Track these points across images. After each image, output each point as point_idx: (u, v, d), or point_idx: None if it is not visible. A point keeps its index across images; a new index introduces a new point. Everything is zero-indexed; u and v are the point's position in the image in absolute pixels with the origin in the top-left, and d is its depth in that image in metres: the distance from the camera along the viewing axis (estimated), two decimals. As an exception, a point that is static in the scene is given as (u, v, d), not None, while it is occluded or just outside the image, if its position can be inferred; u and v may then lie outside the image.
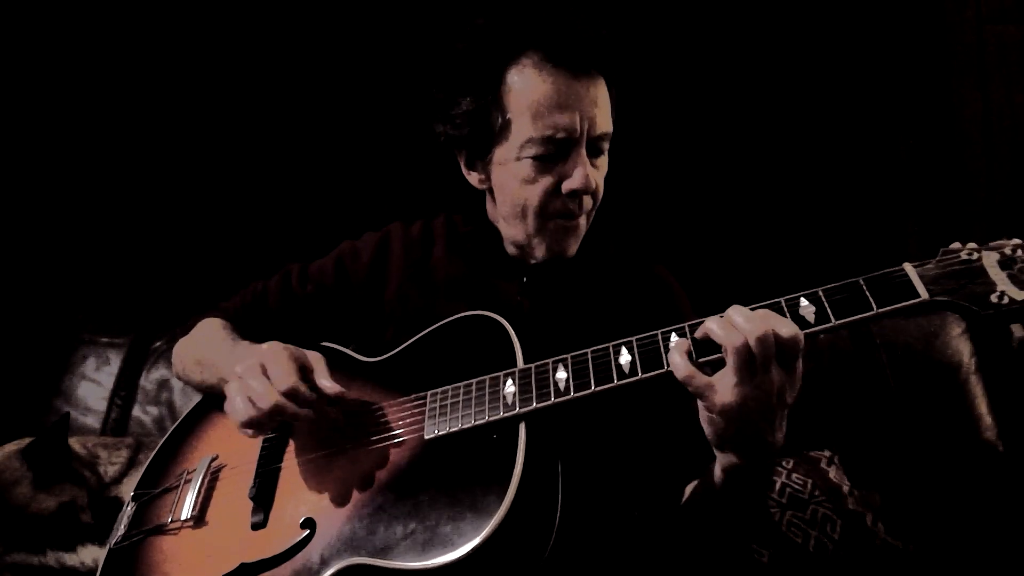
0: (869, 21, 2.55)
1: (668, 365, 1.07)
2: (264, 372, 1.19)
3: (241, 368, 1.22)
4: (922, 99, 2.55)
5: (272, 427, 1.26)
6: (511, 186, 1.34)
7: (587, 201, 1.34)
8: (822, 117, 2.58)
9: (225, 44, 2.66)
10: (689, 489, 1.27)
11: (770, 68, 2.57)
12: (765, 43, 2.57)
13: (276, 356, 1.21)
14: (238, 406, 1.20)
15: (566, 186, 1.30)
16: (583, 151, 1.30)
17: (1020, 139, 2.51)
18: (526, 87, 1.28)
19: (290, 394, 1.17)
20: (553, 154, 1.29)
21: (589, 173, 1.30)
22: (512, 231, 1.41)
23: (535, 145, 1.29)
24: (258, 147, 2.73)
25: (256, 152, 2.73)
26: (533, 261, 1.43)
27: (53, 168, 2.71)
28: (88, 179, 2.73)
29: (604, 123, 1.32)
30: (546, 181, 1.31)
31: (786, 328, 0.98)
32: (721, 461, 1.09)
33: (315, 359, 1.25)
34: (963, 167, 2.54)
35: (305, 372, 1.22)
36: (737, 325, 0.99)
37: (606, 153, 1.37)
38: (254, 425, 1.21)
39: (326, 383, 1.21)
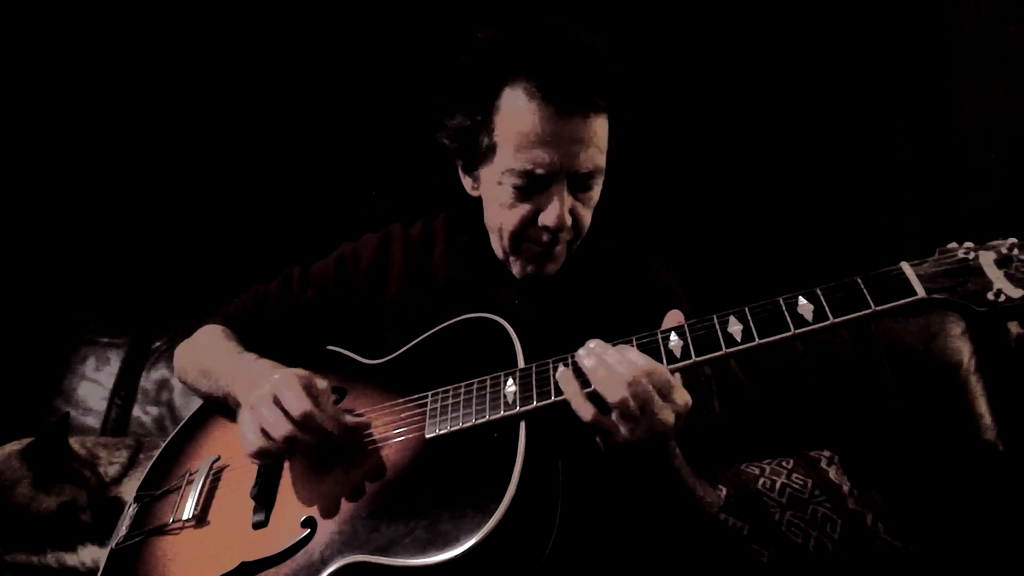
0: (869, 21, 2.55)
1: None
2: (277, 402, 1.19)
3: (254, 398, 1.21)
4: (922, 99, 2.56)
5: (282, 456, 1.25)
6: (492, 205, 1.37)
7: (563, 235, 1.35)
8: (822, 116, 2.58)
9: (227, 46, 2.66)
10: None
11: (770, 68, 2.57)
12: (765, 42, 2.57)
13: (288, 384, 1.19)
14: (249, 436, 1.19)
15: (540, 220, 1.32)
16: (563, 188, 1.30)
17: (1020, 139, 2.51)
18: (514, 115, 1.28)
19: (304, 420, 1.16)
20: (530, 187, 1.30)
21: (564, 211, 1.29)
22: (494, 244, 1.44)
23: (514, 176, 1.30)
24: (258, 148, 2.73)
25: (256, 153, 2.73)
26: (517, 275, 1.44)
27: (53, 168, 2.70)
28: (88, 179, 2.73)
29: (590, 161, 1.30)
30: (523, 209, 1.32)
31: (658, 371, 1.07)
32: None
33: (320, 382, 1.23)
34: (963, 167, 2.54)
35: (317, 397, 1.21)
36: (612, 380, 1.06)
37: (595, 188, 1.35)
38: (266, 455, 1.21)
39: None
